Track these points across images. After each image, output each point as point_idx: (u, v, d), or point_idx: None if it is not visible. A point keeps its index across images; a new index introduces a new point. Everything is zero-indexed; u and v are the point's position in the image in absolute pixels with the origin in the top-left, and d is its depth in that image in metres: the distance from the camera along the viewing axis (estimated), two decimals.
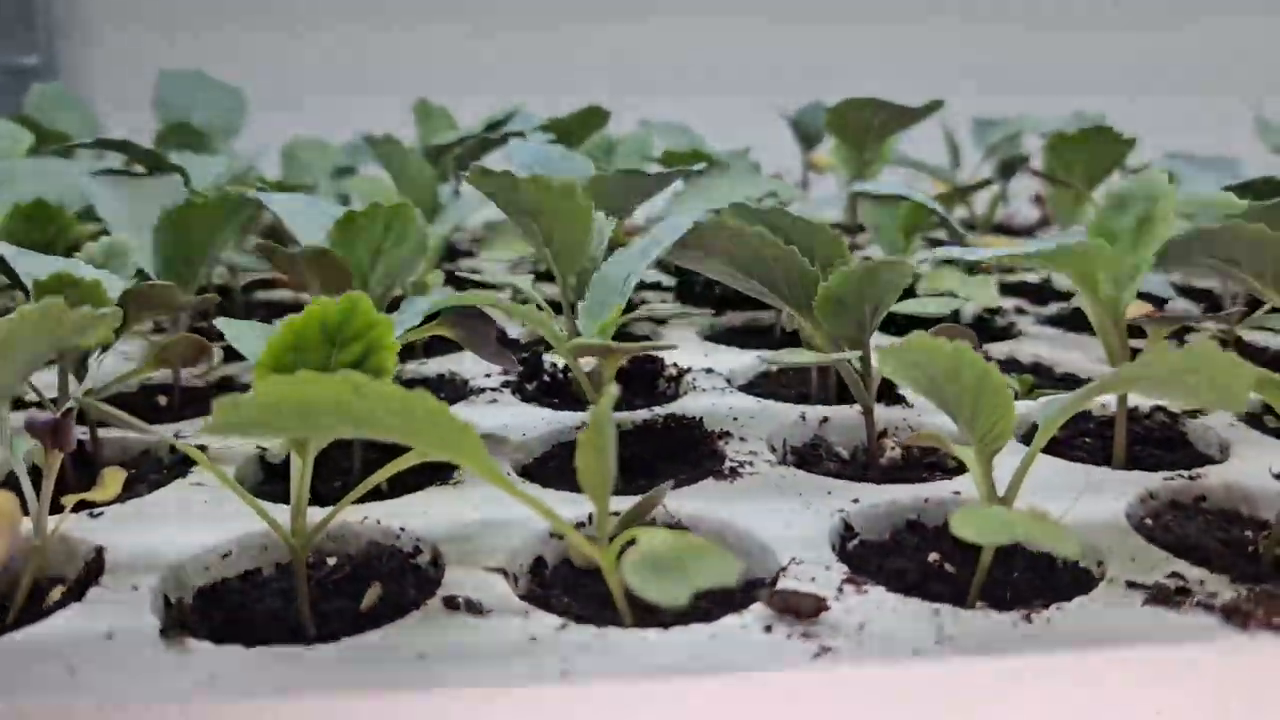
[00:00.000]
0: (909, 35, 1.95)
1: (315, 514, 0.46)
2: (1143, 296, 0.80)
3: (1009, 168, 1.13)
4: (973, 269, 0.83)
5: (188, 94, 1.02)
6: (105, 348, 0.60)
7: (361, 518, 0.51)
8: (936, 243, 1.06)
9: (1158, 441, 0.62)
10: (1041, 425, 0.46)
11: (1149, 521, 0.53)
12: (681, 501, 0.53)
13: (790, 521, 0.50)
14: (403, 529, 0.50)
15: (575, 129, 1.01)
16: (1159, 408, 0.66)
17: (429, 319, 0.58)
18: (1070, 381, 0.72)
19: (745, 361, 0.74)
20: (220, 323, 0.51)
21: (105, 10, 1.94)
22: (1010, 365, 0.78)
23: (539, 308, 0.66)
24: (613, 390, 0.43)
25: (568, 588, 0.48)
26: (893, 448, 0.61)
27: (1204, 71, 2.04)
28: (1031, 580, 0.48)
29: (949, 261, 0.78)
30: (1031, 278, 1.03)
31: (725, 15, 2.00)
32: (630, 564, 0.38)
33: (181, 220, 0.62)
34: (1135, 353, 0.58)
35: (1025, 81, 1.86)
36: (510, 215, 0.62)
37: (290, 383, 0.38)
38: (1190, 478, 0.56)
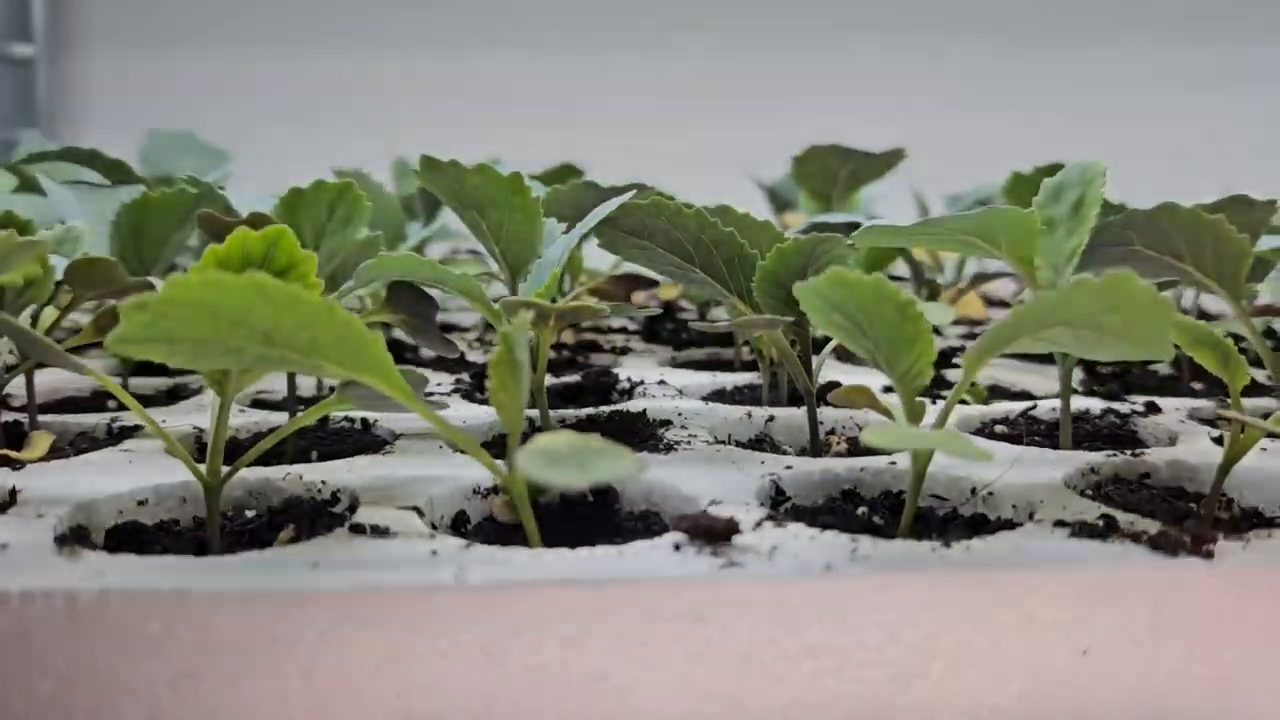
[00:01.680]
0: (896, 107, 1.99)
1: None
2: None
3: None
4: (933, 294, 0.83)
5: (174, 153, 1.05)
6: (50, 328, 0.60)
7: (284, 475, 0.50)
8: (895, 279, 1.06)
9: (1107, 439, 0.61)
10: (964, 367, 0.46)
11: (1089, 491, 0.52)
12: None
13: (719, 480, 0.49)
14: (324, 483, 0.49)
15: (548, 184, 1.03)
16: (1110, 410, 0.65)
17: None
18: (1026, 398, 0.71)
19: (700, 380, 0.74)
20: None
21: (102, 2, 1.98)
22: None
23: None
24: (525, 316, 0.43)
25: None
26: (838, 442, 0.61)
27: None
28: (962, 530, 0.47)
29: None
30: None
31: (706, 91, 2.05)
32: (528, 454, 0.37)
33: (139, 213, 0.63)
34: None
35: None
36: (459, 212, 0.63)
37: (198, 283, 0.38)
38: (1134, 454, 0.55)
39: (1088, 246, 0.58)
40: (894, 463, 0.53)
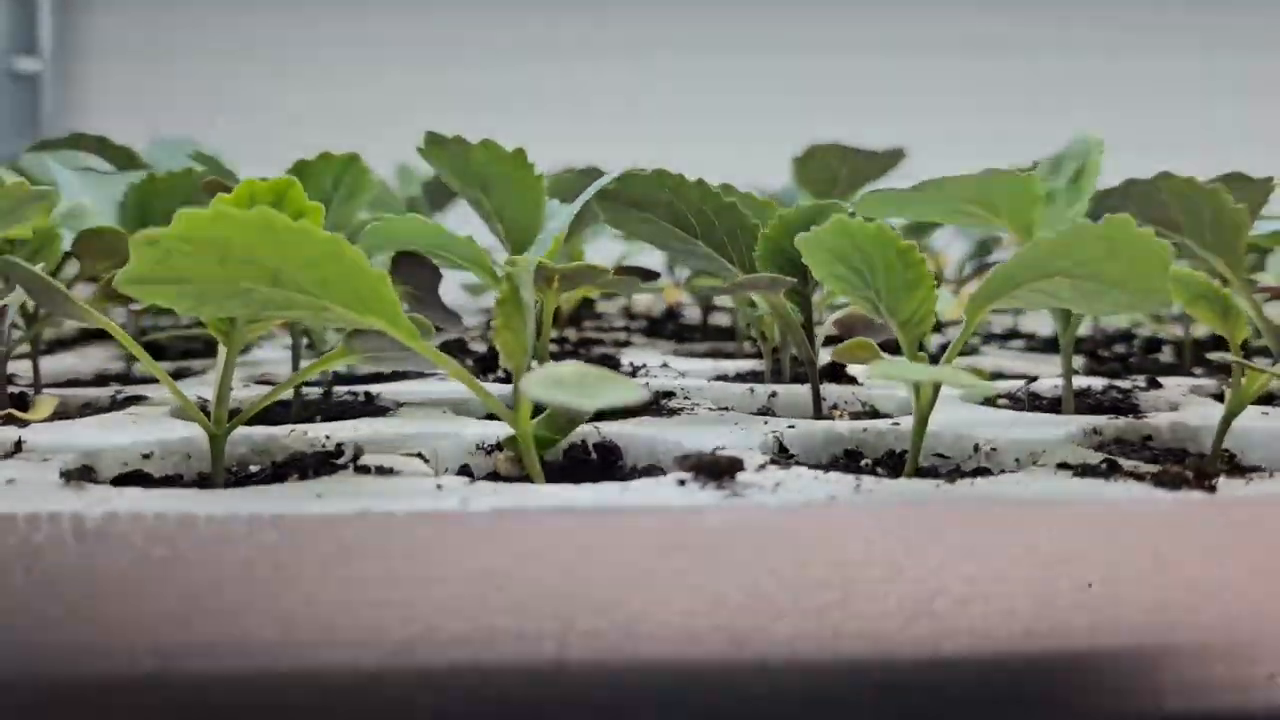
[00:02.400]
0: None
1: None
2: None
3: (985, 247, 1.15)
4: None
5: (175, 159, 1.06)
6: None
7: (289, 431, 0.50)
8: None
9: (1109, 410, 0.61)
10: (967, 314, 0.46)
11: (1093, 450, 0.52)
12: (616, 426, 0.52)
13: (721, 436, 0.50)
14: (328, 437, 0.50)
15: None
16: (1112, 386, 0.66)
17: None
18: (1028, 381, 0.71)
19: (702, 366, 0.74)
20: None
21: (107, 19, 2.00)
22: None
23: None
24: (528, 259, 0.44)
25: None
26: (840, 415, 0.61)
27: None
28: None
29: None
30: (997, 328, 1.04)
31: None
32: (533, 380, 0.37)
33: (146, 193, 0.64)
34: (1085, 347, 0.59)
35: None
36: (461, 190, 0.64)
37: (208, 217, 0.39)
38: (1136, 417, 0.55)
39: (1087, 218, 0.59)
40: (897, 424, 0.53)
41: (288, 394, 0.62)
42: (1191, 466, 0.41)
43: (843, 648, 0.38)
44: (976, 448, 0.50)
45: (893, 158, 0.93)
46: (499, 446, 0.50)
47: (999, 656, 0.39)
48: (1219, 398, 0.65)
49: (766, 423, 0.53)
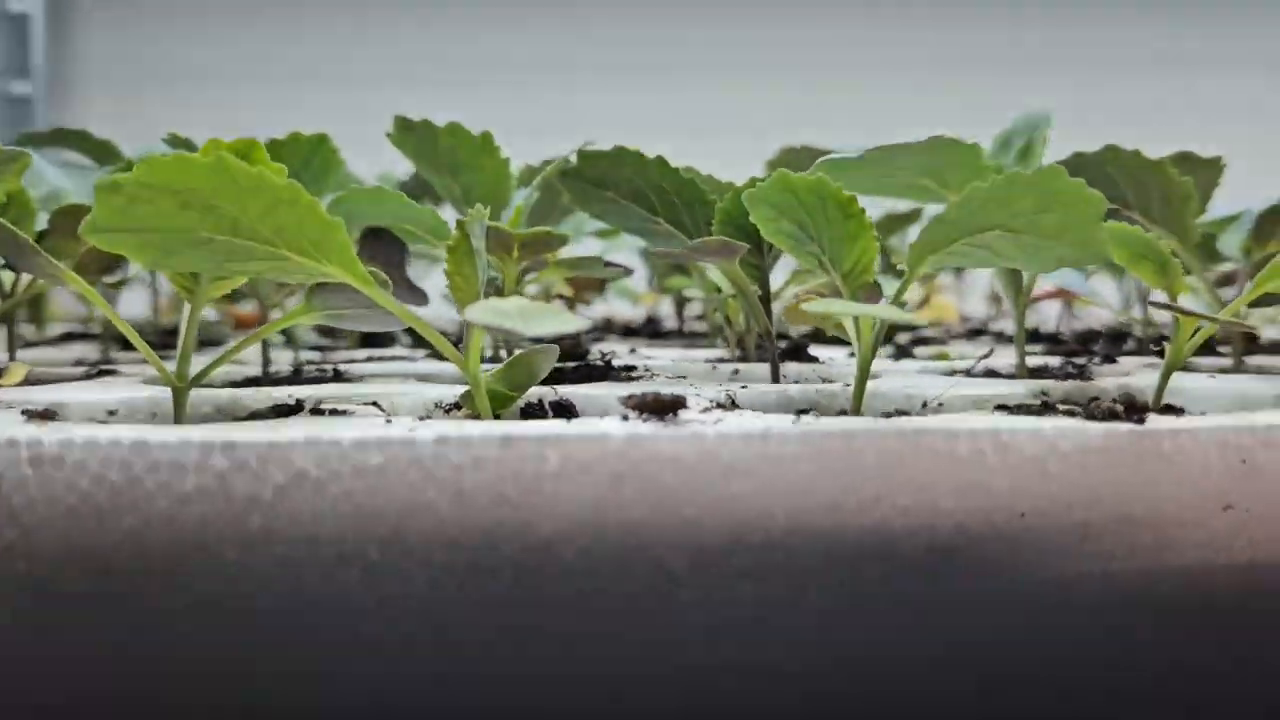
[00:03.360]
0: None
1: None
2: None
3: None
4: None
5: None
6: (31, 282, 0.62)
7: (253, 393, 0.52)
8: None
9: (1063, 379, 0.62)
10: (908, 267, 0.47)
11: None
12: (573, 389, 0.53)
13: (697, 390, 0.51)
14: (290, 396, 0.51)
15: None
16: (1069, 361, 0.67)
17: None
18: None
19: (670, 353, 0.75)
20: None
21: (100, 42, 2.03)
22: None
23: None
24: (480, 210, 0.45)
25: None
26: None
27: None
28: None
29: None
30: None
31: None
32: (477, 309, 0.39)
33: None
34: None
35: None
36: (429, 174, 0.65)
37: (168, 162, 0.40)
38: (1085, 379, 0.56)
39: None
40: (848, 385, 0.54)
41: (256, 370, 0.63)
42: (1123, 400, 0.43)
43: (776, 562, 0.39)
44: (925, 404, 0.51)
45: None
46: (458, 405, 0.51)
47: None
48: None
49: (721, 385, 0.54)
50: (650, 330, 0.96)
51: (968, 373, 0.65)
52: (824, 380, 0.64)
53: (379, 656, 0.40)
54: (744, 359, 0.70)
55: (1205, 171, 0.67)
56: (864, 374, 0.47)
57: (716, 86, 2.10)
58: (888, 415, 0.51)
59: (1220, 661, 0.43)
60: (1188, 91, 2.15)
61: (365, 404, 0.48)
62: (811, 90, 2.08)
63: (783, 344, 0.71)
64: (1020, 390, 0.53)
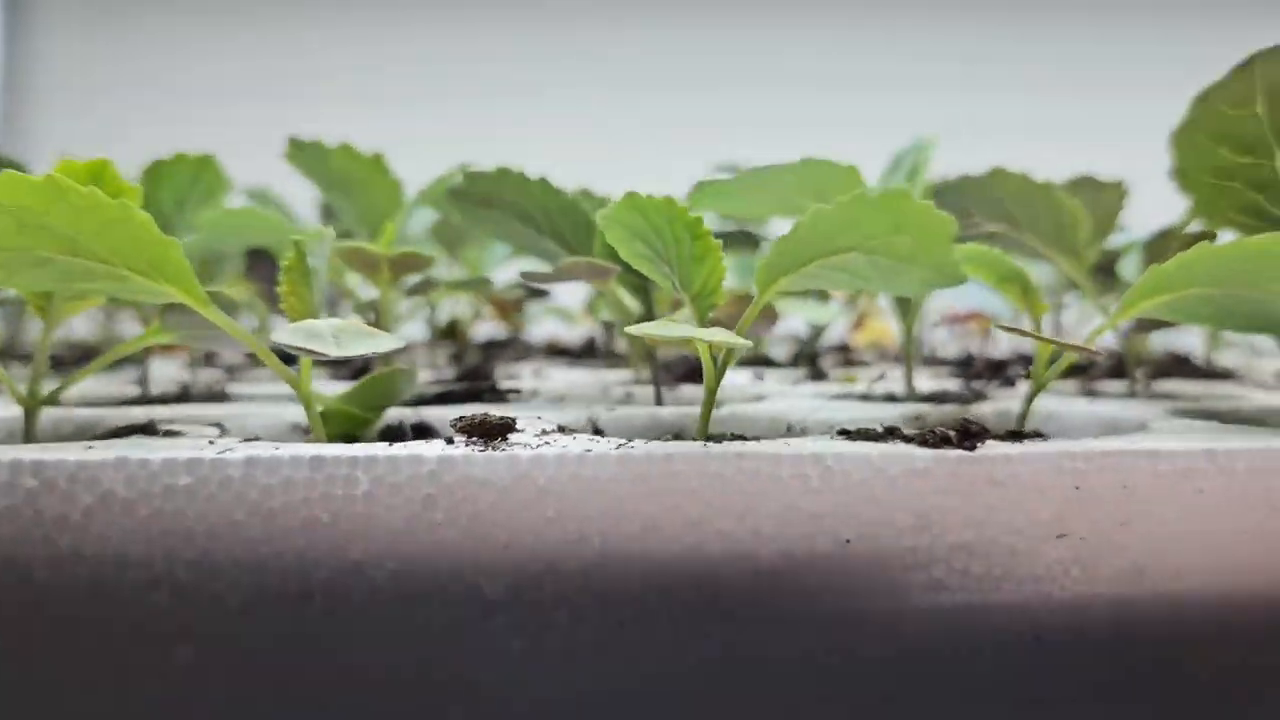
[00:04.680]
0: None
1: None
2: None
3: None
4: (824, 296, 0.84)
5: None
6: None
7: (115, 415, 0.51)
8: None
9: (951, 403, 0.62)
10: (758, 287, 0.47)
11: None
12: (438, 410, 0.53)
13: (541, 415, 0.50)
14: (147, 415, 0.51)
15: None
16: (968, 385, 0.66)
17: None
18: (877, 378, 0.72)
19: (575, 376, 0.75)
20: None
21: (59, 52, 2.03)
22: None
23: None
24: (322, 231, 0.45)
25: None
26: None
27: None
28: None
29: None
30: None
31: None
32: (288, 330, 0.38)
33: None
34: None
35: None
36: (326, 194, 0.65)
37: (2, 181, 0.40)
38: (964, 402, 0.56)
39: None
40: (719, 407, 0.54)
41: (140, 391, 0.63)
42: (956, 427, 0.42)
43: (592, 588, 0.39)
44: (789, 428, 0.51)
45: None
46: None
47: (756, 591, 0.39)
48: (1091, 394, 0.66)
49: (590, 407, 0.54)
50: (582, 352, 0.96)
51: (864, 396, 0.64)
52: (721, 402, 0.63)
53: (188, 683, 0.40)
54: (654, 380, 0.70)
55: (1108, 195, 0.67)
56: (710, 396, 0.46)
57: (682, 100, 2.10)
58: (735, 438, 0.50)
59: (1056, 700, 0.42)
60: (1126, 113, 2.14)
61: (209, 425, 0.47)
62: (759, 104, 2.07)
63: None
64: (893, 414, 0.53)
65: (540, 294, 0.77)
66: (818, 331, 0.85)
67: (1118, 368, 0.74)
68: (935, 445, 0.41)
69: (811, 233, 0.45)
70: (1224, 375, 0.76)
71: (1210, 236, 0.59)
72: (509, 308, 0.87)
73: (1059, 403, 0.56)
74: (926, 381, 0.73)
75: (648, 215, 0.46)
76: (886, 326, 0.96)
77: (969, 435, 0.41)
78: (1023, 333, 0.45)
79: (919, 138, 0.60)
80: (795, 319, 1.27)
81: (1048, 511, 0.40)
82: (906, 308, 0.59)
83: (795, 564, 0.39)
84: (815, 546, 0.39)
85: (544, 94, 2.12)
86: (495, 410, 0.52)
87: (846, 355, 0.92)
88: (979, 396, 0.62)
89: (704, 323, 0.47)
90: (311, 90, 2.03)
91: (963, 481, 0.40)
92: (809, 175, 0.54)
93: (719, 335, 0.40)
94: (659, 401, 0.59)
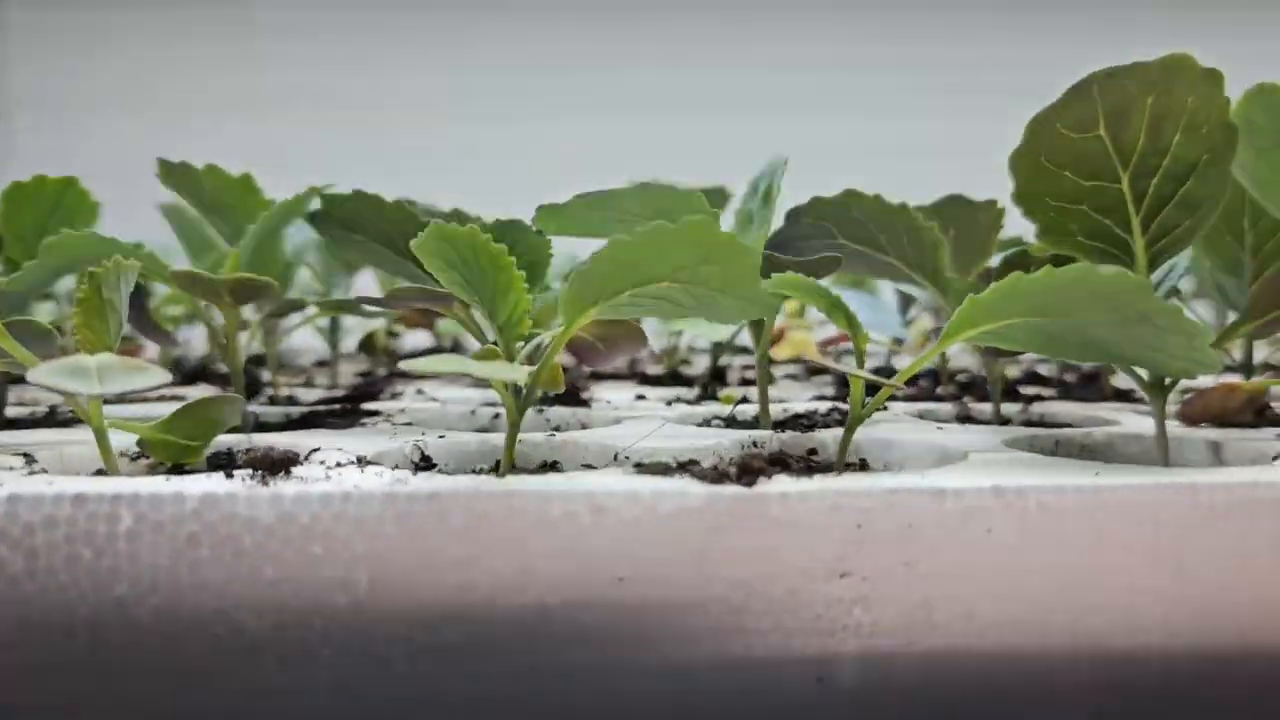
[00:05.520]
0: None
1: None
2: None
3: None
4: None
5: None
6: None
7: None
8: None
9: (820, 427, 0.61)
10: (564, 319, 0.46)
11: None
12: (282, 437, 0.52)
13: (373, 445, 0.50)
14: None
15: None
16: (835, 408, 0.65)
17: None
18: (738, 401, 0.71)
19: (463, 394, 0.75)
20: None
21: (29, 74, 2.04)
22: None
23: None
24: (120, 261, 0.45)
25: None
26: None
27: None
28: None
29: None
30: None
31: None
32: (42, 370, 0.38)
33: None
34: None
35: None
36: (205, 216, 0.65)
37: None
38: (808, 426, 0.55)
39: (783, 239, 0.59)
40: (553, 434, 0.53)
41: None
42: (737, 463, 0.41)
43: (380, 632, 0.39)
44: (615, 456, 0.50)
45: (718, 196, 0.93)
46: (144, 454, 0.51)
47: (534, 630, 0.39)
48: (968, 419, 0.65)
49: (424, 433, 0.53)
50: None
51: (726, 418, 0.63)
52: (582, 425, 0.63)
53: None
54: (545, 401, 0.70)
55: (983, 215, 0.66)
56: (513, 430, 0.46)
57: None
58: (549, 469, 0.50)
59: None
60: None
61: (16, 455, 0.47)
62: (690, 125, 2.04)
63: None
64: (726, 442, 0.52)
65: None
66: (720, 347, 0.84)
67: (1010, 391, 0.74)
68: (715, 481, 0.40)
69: (613, 264, 0.44)
70: (1120, 396, 0.75)
71: (1062, 261, 0.58)
72: (420, 321, 0.87)
73: (898, 430, 0.56)
74: (814, 402, 0.72)
75: (455, 245, 0.46)
76: (808, 339, 0.95)
77: (749, 471, 0.41)
78: (825, 367, 0.44)
79: (772, 160, 0.59)
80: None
81: (829, 551, 0.40)
82: (756, 332, 0.58)
83: (568, 606, 0.39)
84: (588, 588, 0.39)
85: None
86: (327, 440, 0.52)
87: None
88: (835, 422, 0.61)
89: (510, 349, 0.46)
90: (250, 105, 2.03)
91: (738, 519, 0.39)
92: (649, 200, 0.54)
93: (498, 370, 0.40)
94: None
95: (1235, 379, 0.58)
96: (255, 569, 0.38)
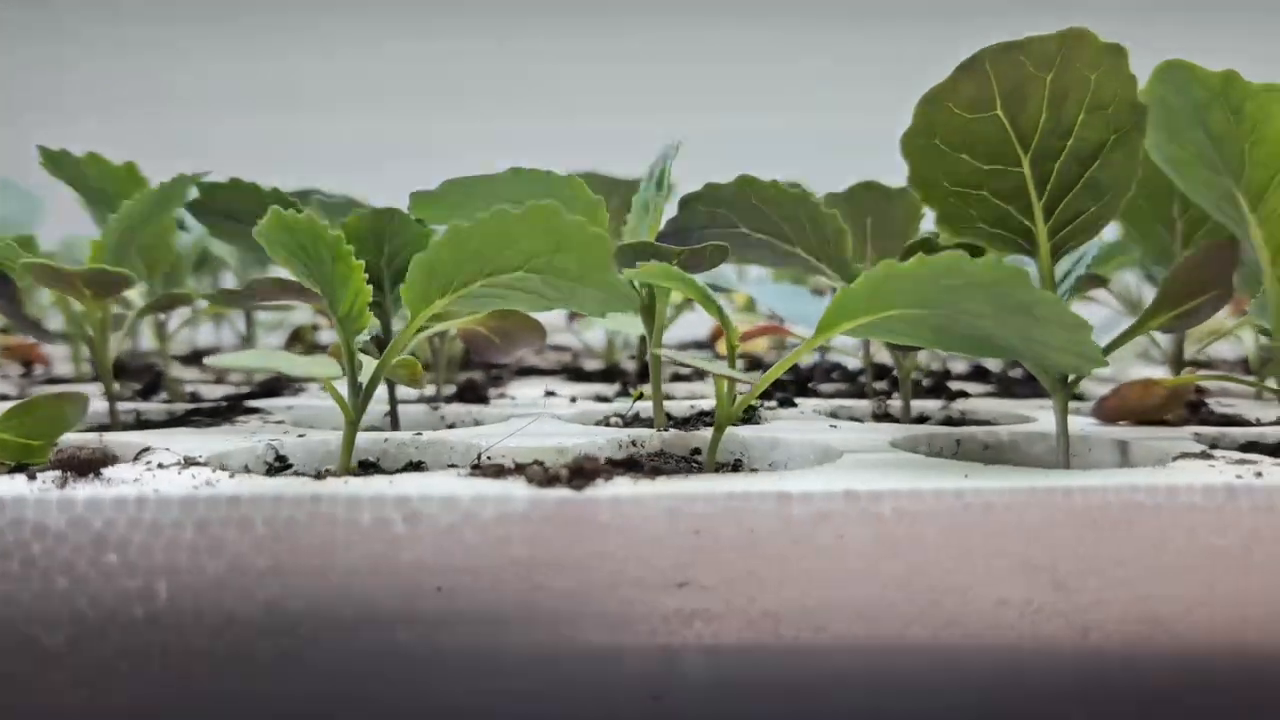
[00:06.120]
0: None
1: None
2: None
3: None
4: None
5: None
6: None
7: None
8: None
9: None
10: (410, 313, 0.43)
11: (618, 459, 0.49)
12: (129, 436, 0.50)
13: (226, 443, 0.48)
14: None
15: None
16: (752, 406, 0.62)
17: None
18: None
19: None
20: None
21: None
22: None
23: None
24: None
25: None
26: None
27: None
28: None
29: None
30: None
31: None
32: None
33: None
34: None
35: None
36: (91, 207, 0.63)
37: None
38: (685, 430, 0.52)
39: (681, 228, 0.56)
40: (419, 434, 0.51)
41: None
42: (569, 466, 0.38)
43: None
44: (479, 456, 0.47)
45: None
46: None
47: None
48: (885, 416, 0.62)
49: (286, 433, 0.51)
50: None
51: (623, 416, 0.61)
52: (475, 423, 0.60)
53: None
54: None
55: (899, 202, 0.63)
56: (350, 429, 0.43)
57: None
58: (408, 469, 0.48)
59: None
60: None
61: None
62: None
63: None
64: (601, 440, 0.49)
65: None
66: (643, 340, 0.81)
67: (936, 387, 0.70)
68: (544, 485, 0.38)
69: (458, 251, 0.42)
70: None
71: (976, 250, 0.54)
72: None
73: (789, 429, 0.53)
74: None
75: (295, 233, 0.43)
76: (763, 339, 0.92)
77: (581, 474, 0.38)
78: (676, 360, 0.41)
79: (665, 147, 0.56)
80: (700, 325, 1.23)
81: (665, 559, 0.37)
82: (652, 321, 0.55)
83: (380, 620, 0.36)
84: (403, 599, 0.36)
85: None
86: (179, 440, 0.49)
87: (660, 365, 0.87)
88: (740, 420, 0.58)
89: (350, 344, 0.44)
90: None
91: (565, 525, 0.37)
92: (523, 185, 0.51)
93: (311, 367, 0.37)
94: (395, 425, 0.56)
95: (1156, 373, 0.55)
96: (47, 579, 0.36)
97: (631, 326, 0.73)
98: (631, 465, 0.41)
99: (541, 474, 0.38)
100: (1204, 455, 0.45)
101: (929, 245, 0.55)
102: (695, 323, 1.08)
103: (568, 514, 0.37)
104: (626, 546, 0.37)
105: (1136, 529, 0.38)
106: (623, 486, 0.38)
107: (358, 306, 0.43)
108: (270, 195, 0.56)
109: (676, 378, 0.83)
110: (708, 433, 0.52)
